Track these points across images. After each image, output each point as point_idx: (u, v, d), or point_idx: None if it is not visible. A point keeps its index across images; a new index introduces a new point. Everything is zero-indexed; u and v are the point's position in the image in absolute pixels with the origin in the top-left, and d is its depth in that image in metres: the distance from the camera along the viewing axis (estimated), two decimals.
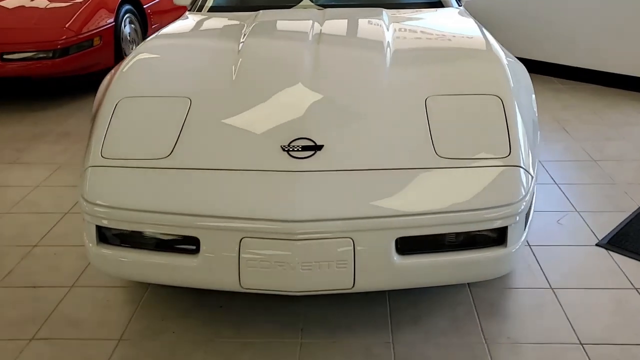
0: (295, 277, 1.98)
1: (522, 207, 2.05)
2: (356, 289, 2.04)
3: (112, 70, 2.79)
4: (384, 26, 2.93)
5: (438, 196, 2.01)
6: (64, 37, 4.90)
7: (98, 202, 2.09)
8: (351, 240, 1.97)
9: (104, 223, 2.10)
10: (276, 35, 3.02)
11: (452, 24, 3.14)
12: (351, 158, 2.10)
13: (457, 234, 2.05)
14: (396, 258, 2.02)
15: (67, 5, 5.21)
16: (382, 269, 2.02)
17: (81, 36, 5.01)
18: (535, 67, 5.32)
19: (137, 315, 2.39)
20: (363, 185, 2.02)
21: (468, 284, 2.50)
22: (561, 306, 2.39)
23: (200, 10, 3.58)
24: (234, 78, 2.48)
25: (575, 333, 2.24)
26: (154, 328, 2.32)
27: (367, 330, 2.27)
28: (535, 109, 2.62)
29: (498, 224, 2.04)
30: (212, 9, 3.57)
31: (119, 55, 5.45)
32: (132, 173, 2.12)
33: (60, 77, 5.10)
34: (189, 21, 3.35)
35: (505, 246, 2.09)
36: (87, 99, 5.12)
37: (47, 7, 5.21)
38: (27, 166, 3.85)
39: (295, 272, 1.98)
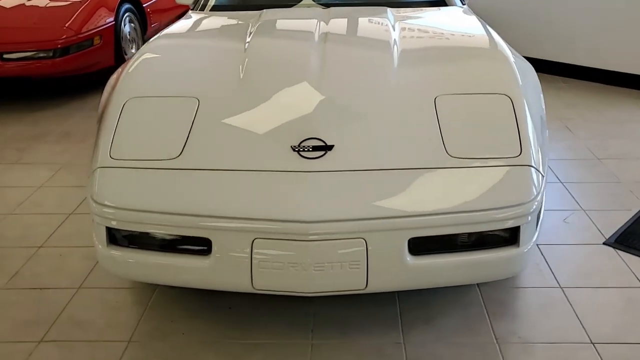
0: (308, 278, 1.98)
1: (534, 206, 2.04)
2: (369, 290, 2.03)
3: (119, 70, 2.77)
4: (390, 25, 2.92)
5: (450, 196, 2.01)
6: (63, 37, 4.87)
7: (107, 203, 2.07)
8: (364, 241, 1.96)
9: (114, 224, 2.09)
10: (282, 35, 3.01)
11: (457, 23, 3.13)
12: (362, 158, 2.09)
13: (470, 234, 2.05)
14: (409, 258, 2.01)
15: (67, 5, 5.18)
16: (395, 269, 2.01)
17: (81, 35, 4.98)
18: (537, 66, 5.30)
19: (146, 317, 2.37)
20: (375, 186, 2.02)
21: (477, 283, 2.49)
22: (571, 305, 2.38)
23: (202, 9, 3.56)
24: (241, 77, 2.47)
25: (586, 332, 2.24)
26: (163, 329, 2.31)
27: (378, 331, 2.27)
28: (544, 107, 2.62)
29: (510, 224, 2.03)
30: (215, 8, 3.55)
31: (119, 55, 5.42)
32: (142, 174, 2.11)
33: (60, 77, 5.07)
34: (192, 20, 3.33)
35: (518, 246, 2.08)
36: (87, 99, 5.10)
37: (47, 6, 5.18)
38: (29, 166, 3.82)
39: (307, 273, 1.97)
